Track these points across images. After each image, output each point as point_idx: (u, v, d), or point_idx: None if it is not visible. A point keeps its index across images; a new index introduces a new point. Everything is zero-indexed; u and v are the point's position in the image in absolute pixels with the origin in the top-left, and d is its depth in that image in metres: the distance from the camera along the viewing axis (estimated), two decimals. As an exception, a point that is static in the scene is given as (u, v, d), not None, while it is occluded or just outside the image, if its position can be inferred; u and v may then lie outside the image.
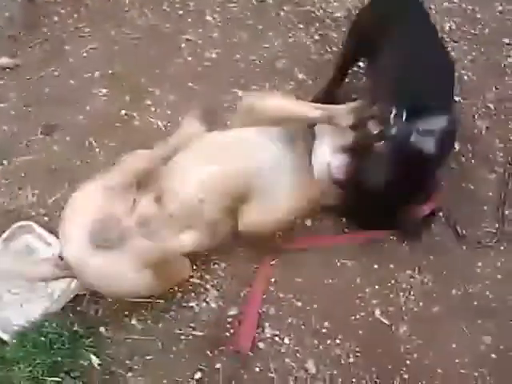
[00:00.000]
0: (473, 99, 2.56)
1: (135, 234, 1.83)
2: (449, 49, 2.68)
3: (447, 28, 2.78)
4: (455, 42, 2.74)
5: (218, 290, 2.10)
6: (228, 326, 2.04)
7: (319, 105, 2.14)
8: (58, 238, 2.13)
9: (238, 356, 1.99)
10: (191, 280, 2.10)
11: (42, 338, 1.92)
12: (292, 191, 1.97)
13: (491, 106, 2.55)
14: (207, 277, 2.13)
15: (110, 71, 2.58)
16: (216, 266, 2.14)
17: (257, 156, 1.95)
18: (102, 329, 2.00)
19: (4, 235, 2.14)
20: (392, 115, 1.85)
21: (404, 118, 1.86)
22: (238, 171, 1.92)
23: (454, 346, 2.05)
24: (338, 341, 2.03)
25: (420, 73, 1.96)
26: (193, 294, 2.09)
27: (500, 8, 2.88)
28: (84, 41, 2.68)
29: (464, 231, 2.23)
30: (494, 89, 2.61)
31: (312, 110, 2.02)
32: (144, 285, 1.87)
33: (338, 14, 2.80)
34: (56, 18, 2.73)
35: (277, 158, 1.97)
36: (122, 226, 1.82)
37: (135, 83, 2.55)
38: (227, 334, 2.03)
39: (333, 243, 2.21)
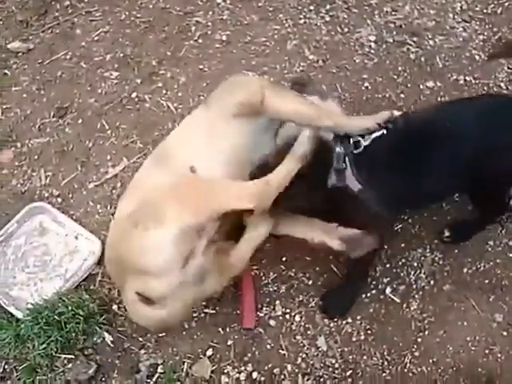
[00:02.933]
0: (484, 79, 2.54)
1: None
2: (460, 29, 2.67)
3: (458, 8, 2.75)
4: (467, 21, 2.71)
5: (229, 269, 2.12)
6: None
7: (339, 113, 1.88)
8: (71, 218, 2.18)
9: (248, 333, 2.01)
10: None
11: (56, 316, 1.95)
12: None
13: (502, 85, 2.52)
14: (218, 256, 2.14)
15: (121, 54, 2.60)
16: (227, 244, 2.14)
17: None
18: (114, 306, 2.03)
19: (18, 216, 2.17)
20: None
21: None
22: None
23: (465, 323, 2.04)
24: (349, 318, 2.04)
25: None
26: (204, 273, 2.10)
27: (512, -14, 2.84)
28: (95, 24, 2.69)
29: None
30: (506, 68, 2.58)
31: (328, 119, 1.75)
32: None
33: (349, -5, 2.78)
34: (67, 3, 2.75)
35: None
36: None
37: (146, 66, 2.57)
38: (238, 311, 2.04)
39: None
